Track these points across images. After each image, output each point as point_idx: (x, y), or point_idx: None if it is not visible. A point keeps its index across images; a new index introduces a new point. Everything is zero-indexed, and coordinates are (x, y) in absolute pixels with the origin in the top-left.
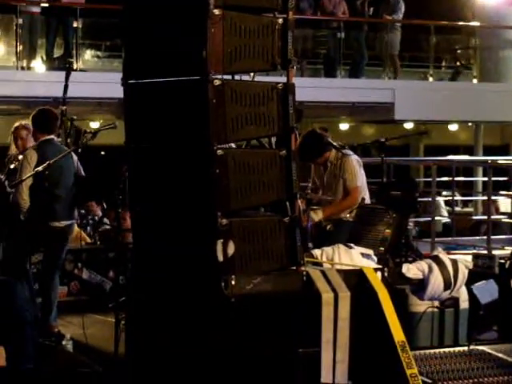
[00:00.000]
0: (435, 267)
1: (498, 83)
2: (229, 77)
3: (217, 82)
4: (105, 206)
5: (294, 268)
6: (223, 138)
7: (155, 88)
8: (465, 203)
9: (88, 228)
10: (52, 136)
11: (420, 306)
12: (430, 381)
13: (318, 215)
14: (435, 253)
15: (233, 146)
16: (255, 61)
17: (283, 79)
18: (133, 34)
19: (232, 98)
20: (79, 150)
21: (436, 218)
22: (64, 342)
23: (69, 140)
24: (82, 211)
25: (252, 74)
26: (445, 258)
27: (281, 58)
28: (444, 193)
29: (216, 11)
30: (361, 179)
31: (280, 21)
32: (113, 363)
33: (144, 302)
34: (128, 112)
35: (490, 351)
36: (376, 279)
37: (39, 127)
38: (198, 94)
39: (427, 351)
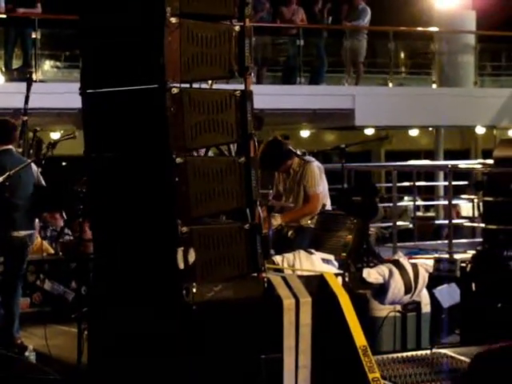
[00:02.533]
0: (396, 271)
1: (457, 88)
2: (187, 85)
3: (174, 90)
4: (64, 215)
5: (255, 274)
6: (182, 146)
7: (113, 97)
8: (426, 208)
9: (50, 239)
10: (10, 146)
11: (382, 310)
12: None
13: (276, 220)
14: (395, 257)
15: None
16: (213, 68)
17: (242, 86)
18: (90, 44)
19: (190, 105)
20: (43, 162)
21: (397, 223)
22: (27, 353)
23: (31, 151)
24: (41, 224)
25: (210, 81)
26: (405, 262)
27: (238, 65)
28: (405, 198)
29: (173, 19)
30: (322, 186)
31: (237, 28)
32: (76, 373)
33: (106, 312)
34: (87, 122)
35: (452, 354)
36: (337, 284)
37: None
38: (155, 102)
39: (390, 355)
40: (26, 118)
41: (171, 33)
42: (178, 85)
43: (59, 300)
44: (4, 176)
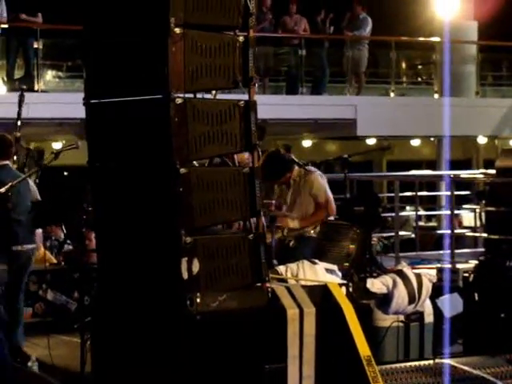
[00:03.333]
0: (399, 282)
1: (458, 98)
2: (191, 95)
3: (179, 101)
4: (63, 227)
5: (259, 285)
6: (186, 156)
7: (117, 107)
8: (428, 218)
9: (52, 249)
10: (7, 162)
11: (385, 320)
12: None
13: (294, 223)
14: (399, 267)
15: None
16: (217, 79)
17: (245, 97)
18: (94, 54)
19: (194, 116)
20: (39, 172)
21: (400, 232)
22: (30, 364)
23: (25, 169)
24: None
25: (214, 92)
26: (409, 272)
27: (242, 76)
28: (407, 208)
29: (177, 30)
30: (329, 192)
31: (241, 39)
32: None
33: (109, 322)
34: (90, 132)
35: (455, 364)
36: (341, 294)
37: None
38: (160, 112)
39: (393, 365)
40: (19, 134)
41: (175, 43)
42: (182, 95)
43: (62, 310)
44: (6, 186)
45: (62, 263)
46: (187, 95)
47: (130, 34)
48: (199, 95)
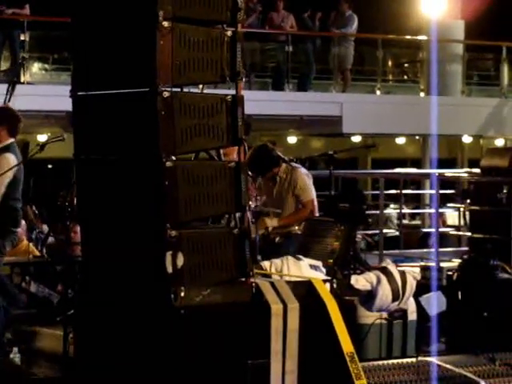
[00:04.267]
0: (383, 278)
1: (444, 97)
2: (178, 89)
3: (166, 94)
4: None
5: (244, 279)
6: (172, 149)
7: (104, 100)
8: (413, 216)
9: (36, 241)
10: (14, 140)
11: (368, 317)
12: None
13: (272, 222)
14: (383, 264)
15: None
16: (204, 73)
17: (232, 92)
18: (81, 46)
19: (181, 110)
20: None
21: (384, 230)
22: (12, 355)
23: None
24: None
25: (201, 86)
26: (393, 269)
27: (230, 71)
28: (392, 205)
29: (165, 23)
30: (313, 191)
31: (229, 33)
32: (61, 376)
33: (92, 316)
34: (77, 124)
35: (438, 362)
36: (325, 290)
37: (10, 128)
38: (146, 105)
39: (376, 362)
40: None
41: (163, 36)
42: (169, 89)
43: (44, 302)
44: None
45: (46, 255)
46: (174, 89)
47: (119, 27)
48: (186, 89)
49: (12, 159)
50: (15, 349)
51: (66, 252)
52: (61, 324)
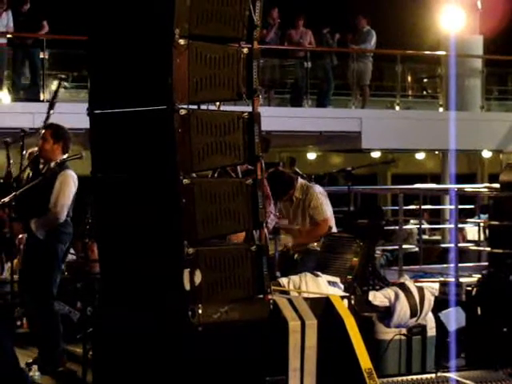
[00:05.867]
0: (401, 294)
1: (463, 112)
2: (195, 106)
3: (182, 112)
4: None
5: (261, 296)
6: (189, 167)
7: (121, 118)
8: (433, 231)
9: None
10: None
11: (387, 333)
12: None
13: (288, 240)
14: (401, 280)
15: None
16: (221, 90)
17: (250, 109)
18: (98, 64)
19: (198, 127)
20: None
21: (403, 246)
22: (31, 373)
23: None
24: None
25: (218, 103)
26: (411, 285)
27: (246, 88)
28: (411, 221)
29: (181, 41)
30: (328, 210)
31: (245, 50)
32: None
33: (111, 333)
34: (94, 142)
35: (457, 378)
36: (343, 307)
37: (64, 145)
38: (163, 123)
39: (395, 378)
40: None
41: (180, 54)
42: (186, 106)
43: (64, 320)
44: (11, 196)
45: (65, 273)
46: (191, 106)
47: (135, 45)
48: (203, 107)
49: (74, 175)
50: (35, 366)
51: (85, 269)
52: (80, 342)
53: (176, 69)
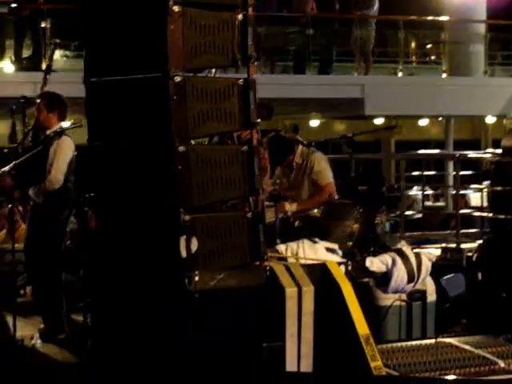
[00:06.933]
0: (399, 260)
1: (467, 77)
2: (190, 74)
3: (177, 79)
4: None
5: (258, 263)
6: (184, 134)
7: (117, 85)
8: (436, 198)
9: None
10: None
11: (387, 299)
12: (397, 374)
13: (291, 207)
14: (398, 246)
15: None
16: (216, 57)
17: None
18: (93, 33)
19: (193, 94)
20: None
21: (406, 212)
22: (33, 341)
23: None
24: None
25: (213, 70)
26: (408, 251)
27: (241, 54)
28: (414, 188)
29: (175, 8)
30: (331, 175)
31: (240, 17)
32: (80, 361)
33: (107, 301)
34: (90, 110)
35: (457, 343)
36: (339, 273)
37: (60, 113)
38: (158, 90)
39: (394, 344)
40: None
41: (174, 21)
42: (180, 73)
43: (67, 288)
44: (10, 165)
45: (68, 242)
46: (186, 73)
47: (129, 12)
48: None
49: (70, 141)
50: (36, 334)
51: (87, 239)
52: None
53: (170, 36)
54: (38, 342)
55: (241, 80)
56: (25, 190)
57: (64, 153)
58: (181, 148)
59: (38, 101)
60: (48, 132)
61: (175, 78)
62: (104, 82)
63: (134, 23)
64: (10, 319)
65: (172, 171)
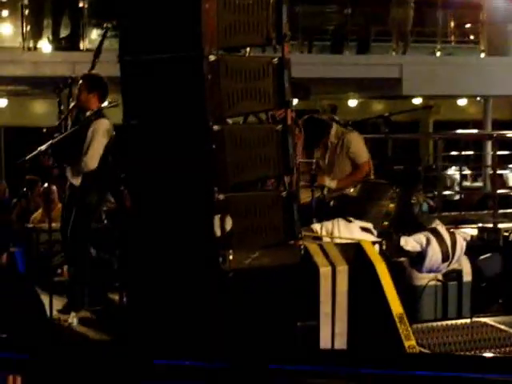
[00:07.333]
0: (433, 239)
1: (505, 57)
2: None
3: (212, 58)
4: None
5: (292, 242)
6: (219, 113)
7: (151, 64)
8: (475, 178)
9: None
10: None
11: (422, 279)
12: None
13: (331, 183)
14: (433, 225)
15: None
16: (250, 36)
17: (292, 55)
18: (128, 12)
19: (227, 73)
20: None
21: (444, 192)
22: (70, 319)
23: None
24: None
25: (248, 49)
26: (442, 230)
27: (276, 33)
28: (452, 167)
29: None
30: (367, 153)
31: None
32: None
33: (143, 280)
34: (125, 89)
35: (492, 323)
36: (373, 252)
37: (100, 94)
38: (193, 69)
39: (429, 324)
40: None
41: (208, 0)
42: (215, 52)
43: (104, 267)
44: (48, 143)
45: (105, 221)
46: (220, 52)
47: None
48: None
49: (107, 123)
50: (73, 313)
51: (124, 218)
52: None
53: (205, 15)
54: (74, 321)
55: (275, 59)
56: (63, 169)
57: (101, 135)
58: (215, 127)
59: (80, 82)
60: (88, 113)
61: (209, 56)
62: (139, 61)
63: (169, 2)
64: (46, 298)
65: (206, 150)
